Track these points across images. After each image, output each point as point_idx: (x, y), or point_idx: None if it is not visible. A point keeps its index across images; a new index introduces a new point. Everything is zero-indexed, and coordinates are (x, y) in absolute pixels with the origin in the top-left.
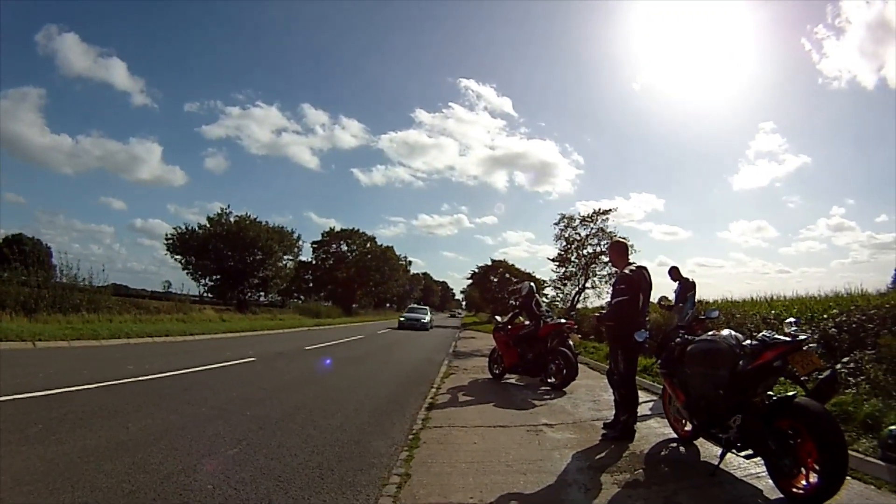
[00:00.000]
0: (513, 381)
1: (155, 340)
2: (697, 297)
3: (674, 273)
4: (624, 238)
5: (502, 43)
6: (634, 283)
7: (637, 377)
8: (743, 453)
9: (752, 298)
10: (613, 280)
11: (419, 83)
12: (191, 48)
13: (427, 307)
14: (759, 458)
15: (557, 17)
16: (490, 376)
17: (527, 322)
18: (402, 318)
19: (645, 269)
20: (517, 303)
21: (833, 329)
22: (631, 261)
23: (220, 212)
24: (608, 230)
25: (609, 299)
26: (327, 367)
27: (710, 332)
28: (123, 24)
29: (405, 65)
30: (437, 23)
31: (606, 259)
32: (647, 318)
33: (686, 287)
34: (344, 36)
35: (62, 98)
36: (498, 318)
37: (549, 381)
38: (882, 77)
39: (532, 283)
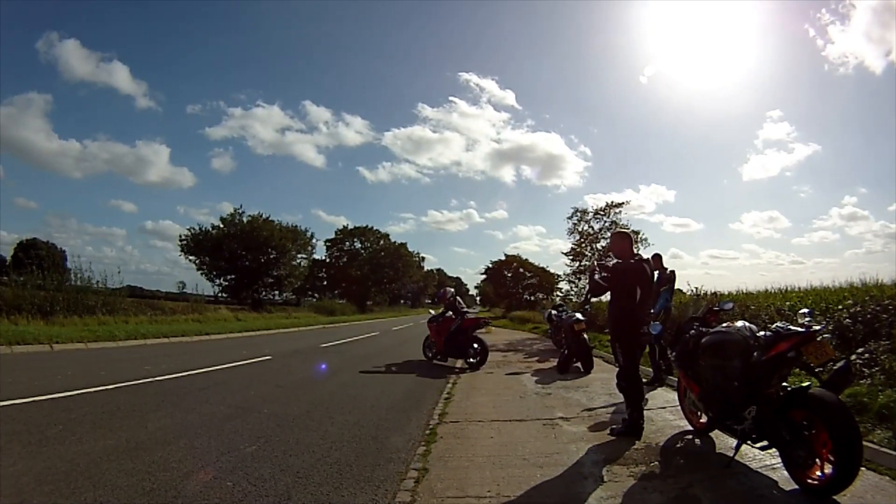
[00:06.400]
0: (527, 374)
1: (171, 341)
2: (712, 290)
3: (655, 261)
4: (633, 230)
5: (501, 35)
6: (619, 274)
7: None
8: (758, 445)
9: (767, 290)
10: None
11: (419, 77)
12: (189, 49)
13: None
14: (774, 450)
15: (557, 6)
16: (507, 372)
17: (454, 317)
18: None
19: (647, 261)
20: (447, 303)
21: (847, 320)
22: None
23: (232, 212)
24: (621, 223)
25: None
26: (342, 364)
27: (725, 324)
28: (122, 28)
29: (403, 59)
30: (433, 15)
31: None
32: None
33: (662, 279)
34: (339, 31)
35: (67, 103)
36: (432, 311)
37: (470, 361)
38: (890, 62)
39: (453, 289)
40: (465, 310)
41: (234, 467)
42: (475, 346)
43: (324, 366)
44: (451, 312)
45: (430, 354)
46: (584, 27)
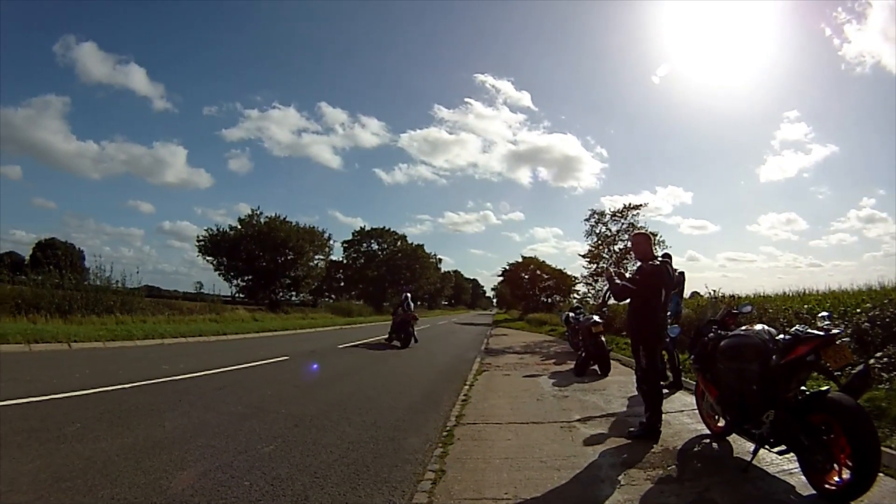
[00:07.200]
0: (544, 377)
1: (188, 340)
2: (729, 293)
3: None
4: (651, 232)
5: (516, 36)
6: (648, 276)
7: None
8: (776, 449)
9: (784, 293)
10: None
11: (435, 79)
12: (205, 51)
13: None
14: (791, 454)
15: (571, 7)
16: (524, 375)
17: (402, 312)
18: None
19: (667, 262)
20: (403, 304)
21: (866, 323)
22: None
23: (250, 213)
24: (638, 225)
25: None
26: (359, 365)
27: (743, 327)
28: (139, 30)
29: (419, 60)
30: (448, 17)
31: None
32: (677, 313)
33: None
34: (355, 33)
35: (85, 105)
36: (398, 309)
37: (398, 342)
38: None
39: (409, 294)
40: (410, 310)
41: (251, 467)
42: (403, 334)
43: (315, 366)
44: (400, 309)
45: (387, 338)
46: (598, 27)
